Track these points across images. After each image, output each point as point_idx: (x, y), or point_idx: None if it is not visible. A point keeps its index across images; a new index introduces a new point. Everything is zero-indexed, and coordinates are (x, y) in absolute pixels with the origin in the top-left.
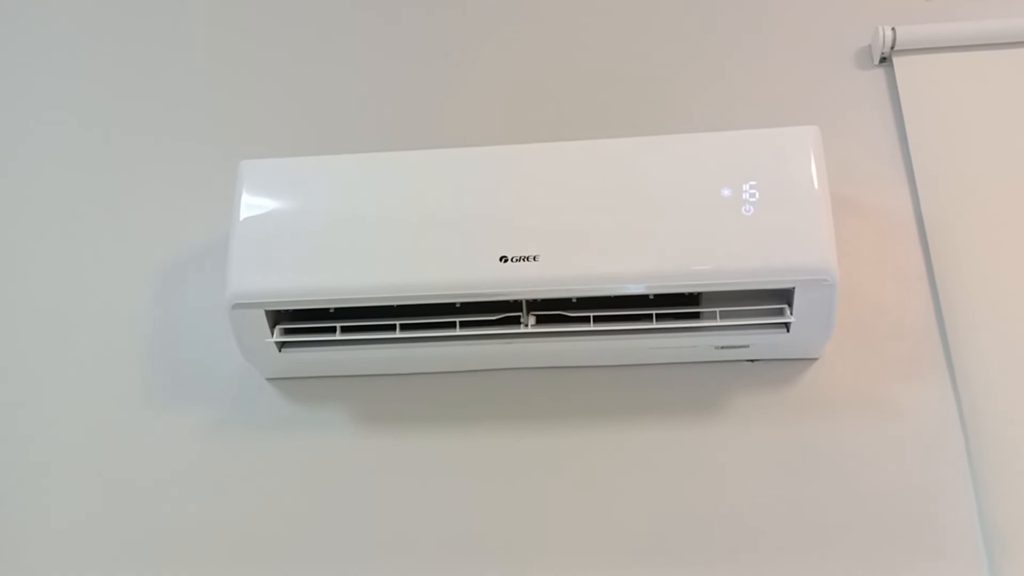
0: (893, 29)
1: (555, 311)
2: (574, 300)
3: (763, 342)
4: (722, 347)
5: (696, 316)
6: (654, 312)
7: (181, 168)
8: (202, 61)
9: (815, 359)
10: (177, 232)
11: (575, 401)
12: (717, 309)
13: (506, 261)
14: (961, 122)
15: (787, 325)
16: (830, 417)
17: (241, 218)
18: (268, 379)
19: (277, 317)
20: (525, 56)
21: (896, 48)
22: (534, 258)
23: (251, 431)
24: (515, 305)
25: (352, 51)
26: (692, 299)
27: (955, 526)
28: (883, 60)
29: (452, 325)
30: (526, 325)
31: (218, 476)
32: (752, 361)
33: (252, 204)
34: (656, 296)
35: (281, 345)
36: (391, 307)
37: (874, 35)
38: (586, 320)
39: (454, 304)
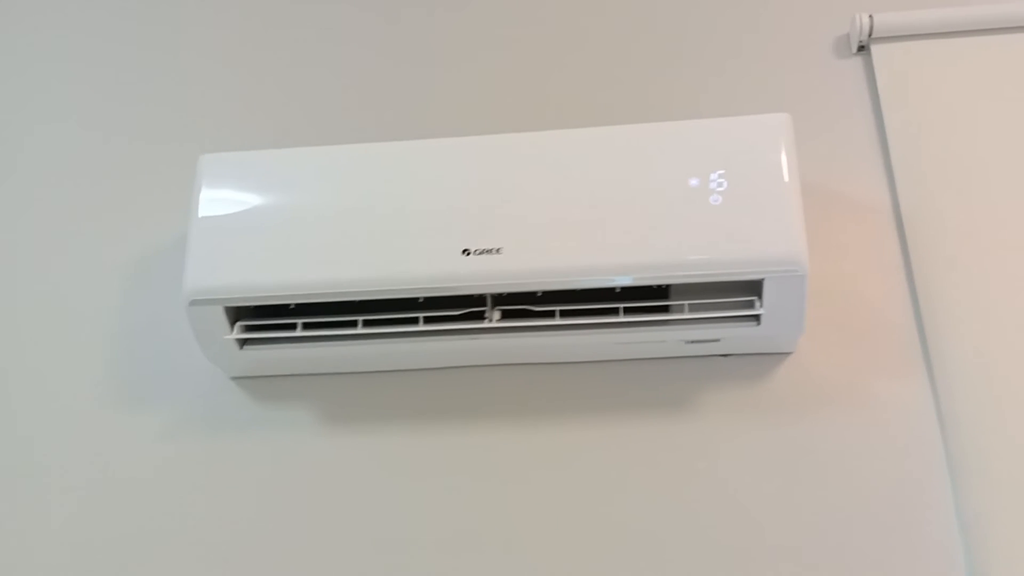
0: (871, 16)
1: (521, 305)
2: (539, 294)
3: (734, 336)
4: (692, 341)
5: (665, 310)
6: (621, 306)
7: (147, 164)
8: (164, 56)
9: (789, 353)
10: (143, 229)
11: (544, 398)
12: (686, 302)
13: (469, 254)
14: (940, 110)
15: (757, 318)
16: (805, 412)
17: (199, 214)
18: (233, 378)
19: (237, 314)
20: (489, 47)
21: (874, 36)
22: (497, 251)
23: (215, 431)
24: (480, 300)
25: (315, 44)
26: (661, 292)
27: (932, 522)
28: (861, 48)
29: (415, 320)
30: (490, 320)
31: (183, 477)
32: (725, 356)
33: (211, 199)
34: (623, 289)
35: (242, 343)
36: (353, 303)
37: (851, 23)
38: (551, 314)
39: (417, 299)
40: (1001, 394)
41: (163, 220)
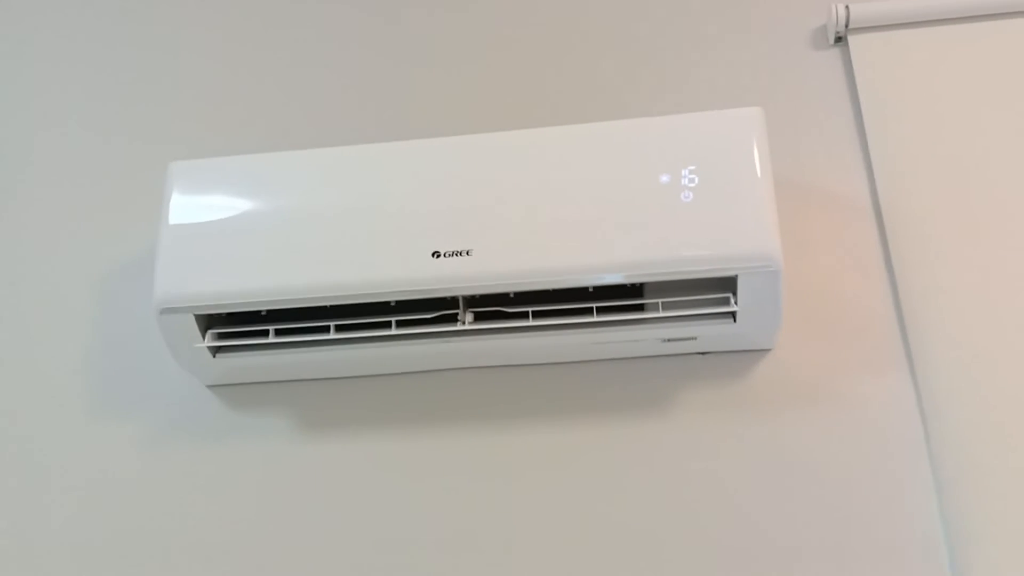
0: (847, 7)
1: (493, 307)
2: (511, 295)
3: (711, 333)
4: (669, 340)
5: (640, 308)
6: (594, 305)
7: (122, 171)
8: (136, 61)
9: (768, 350)
10: (117, 236)
11: (521, 401)
12: (660, 300)
13: (439, 256)
14: (919, 100)
15: (733, 315)
16: (785, 410)
17: (169, 221)
18: (209, 386)
19: (209, 322)
20: (459, 48)
21: (851, 26)
22: (467, 252)
23: (192, 440)
24: (453, 302)
25: (286, 49)
26: (636, 291)
27: (915, 520)
28: (838, 40)
29: (388, 325)
30: (463, 322)
31: (159, 486)
32: (703, 354)
33: (180, 206)
34: (597, 289)
35: (215, 351)
36: (326, 308)
37: (828, 13)
38: (524, 316)
39: (389, 303)
40: (984, 389)
41: (140, 227)
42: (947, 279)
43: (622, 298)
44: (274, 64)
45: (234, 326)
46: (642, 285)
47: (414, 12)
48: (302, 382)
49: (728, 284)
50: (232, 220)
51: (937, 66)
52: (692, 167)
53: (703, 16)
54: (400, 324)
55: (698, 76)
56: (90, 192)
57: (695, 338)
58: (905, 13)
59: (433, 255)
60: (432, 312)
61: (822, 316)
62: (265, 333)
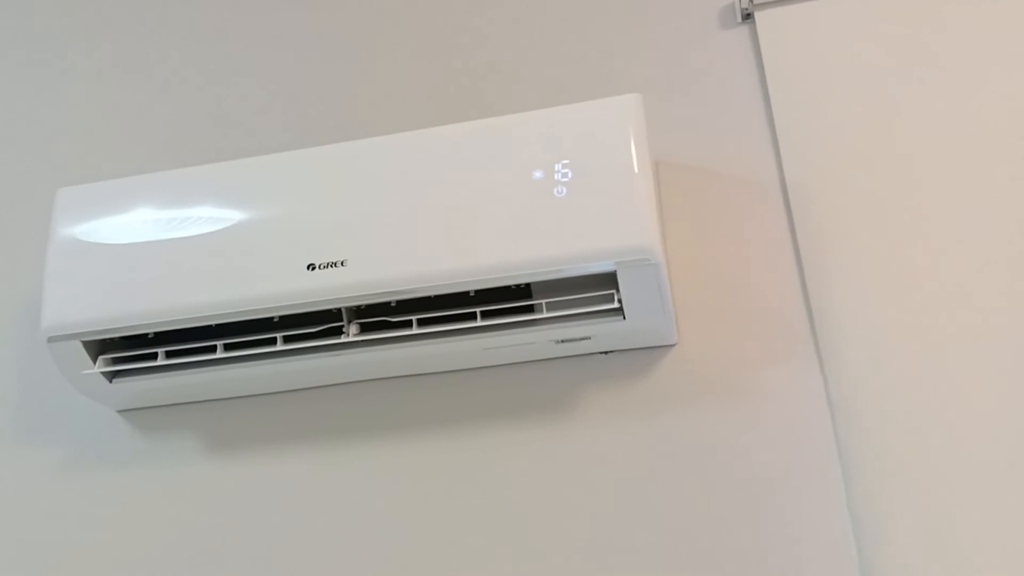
0: None
1: (379, 317)
2: (393, 304)
3: (604, 332)
4: (563, 341)
5: (530, 310)
6: (477, 310)
7: (21, 193)
8: (22, 86)
9: (672, 345)
10: (22, 265)
11: (420, 411)
12: (544, 301)
13: (314, 269)
14: (826, 78)
15: (620, 311)
16: (690, 405)
17: (55, 248)
18: (119, 411)
19: (103, 347)
20: (330, 50)
21: (757, 1)
22: (342, 263)
23: (102, 466)
24: (339, 315)
25: (163, 66)
26: (524, 293)
27: (824, 515)
28: (747, 17)
29: (273, 341)
30: (347, 334)
31: (69, 512)
32: (606, 353)
33: (66, 232)
34: (487, 292)
35: (112, 376)
36: (212, 327)
37: None
38: (408, 324)
39: (272, 319)
40: (893, 379)
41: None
42: (856, 265)
43: (510, 301)
44: (150, 84)
45: (125, 351)
46: (529, 286)
47: (265, 20)
48: (208, 403)
49: (612, 280)
50: (114, 244)
51: (841, 40)
52: (565, 161)
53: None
54: (287, 340)
55: (608, 62)
56: None
57: (589, 337)
58: None
59: (308, 267)
60: (317, 326)
61: (728, 307)
62: (154, 356)
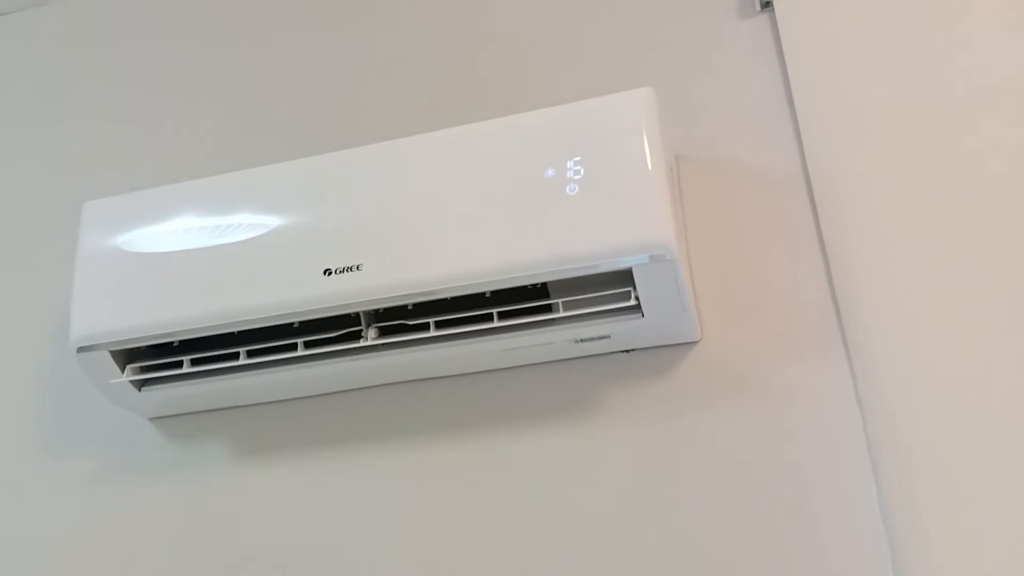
0: None
1: (398, 321)
2: (410, 307)
3: (623, 330)
4: (582, 340)
5: (548, 309)
6: (495, 311)
7: (42, 208)
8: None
9: (695, 342)
10: (51, 279)
11: (443, 414)
12: (560, 300)
13: (330, 274)
14: (848, 66)
15: (639, 308)
16: (715, 403)
17: (83, 260)
18: (150, 419)
19: (130, 356)
20: (339, 56)
21: None
22: (358, 267)
23: (135, 474)
24: (357, 319)
25: (178, 78)
26: (541, 293)
27: (855, 516)
28: (766, 5)
29: (294, 347)
30: (366, 338)
31: (105, 523)
32: (627, 352)
33: (93, 245)
34: (503, 293)
35: (140, 384)
36: (236, 335)
37: None
38: (426, 327)
39: (292, 325)
40: (923, 375)
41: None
42: (883, 257)
43: (527, 301)
44: (164, 96)
45: (152, 359)
46: (546, 286)
47: (263, 27)
48: (235, 409)
49: (629, 277)
50: (140, 255)
51: (868, 28)
52: (577, 158)
53: None
54: (307, 345)
55: (627, 54)
56: (11, 227)
57: (609, 336)
58: None
59: (325, 273)
60: (337, 331)
61: (753, 302)
62: (180, 364)
